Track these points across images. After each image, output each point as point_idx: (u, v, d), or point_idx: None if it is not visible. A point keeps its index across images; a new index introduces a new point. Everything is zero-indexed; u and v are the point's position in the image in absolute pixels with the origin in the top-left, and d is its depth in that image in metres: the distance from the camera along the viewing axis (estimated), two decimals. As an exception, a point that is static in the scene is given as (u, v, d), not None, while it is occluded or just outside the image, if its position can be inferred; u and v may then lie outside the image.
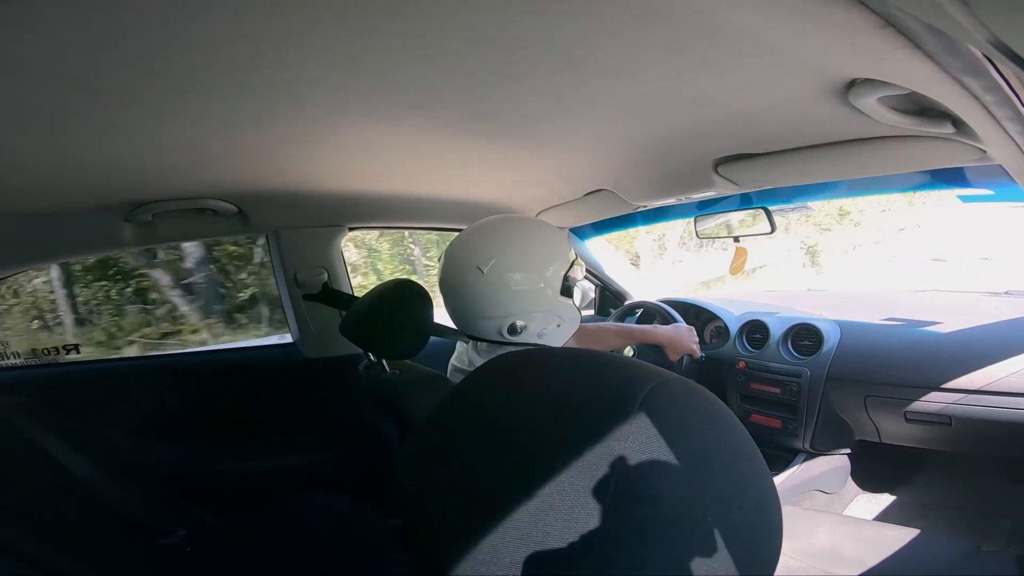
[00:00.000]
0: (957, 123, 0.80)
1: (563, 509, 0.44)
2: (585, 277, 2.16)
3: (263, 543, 0.70)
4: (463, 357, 1.21)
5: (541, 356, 0.67)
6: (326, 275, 1.62)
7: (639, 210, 1.72)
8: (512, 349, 1.09)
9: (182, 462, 1.38)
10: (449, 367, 1.26)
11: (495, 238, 1.06)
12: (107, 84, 0.67)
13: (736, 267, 1.82)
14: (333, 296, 1.56)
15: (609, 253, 2.28)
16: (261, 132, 0.94)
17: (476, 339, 1.12)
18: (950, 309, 1.65)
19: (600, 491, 0.42)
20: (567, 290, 1.08)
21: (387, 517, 0.62)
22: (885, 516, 1.69)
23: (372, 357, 1.26)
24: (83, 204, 1.24)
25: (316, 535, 0.66)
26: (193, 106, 0.78)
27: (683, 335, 1.52)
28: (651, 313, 1.85)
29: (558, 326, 1.09)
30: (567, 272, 1.07)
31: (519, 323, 1.04)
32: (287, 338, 1.79)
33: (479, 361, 1.12)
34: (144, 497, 1.02)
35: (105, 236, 1.36)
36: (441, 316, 1.18)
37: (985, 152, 0.89)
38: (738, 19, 0.58)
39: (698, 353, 1.54)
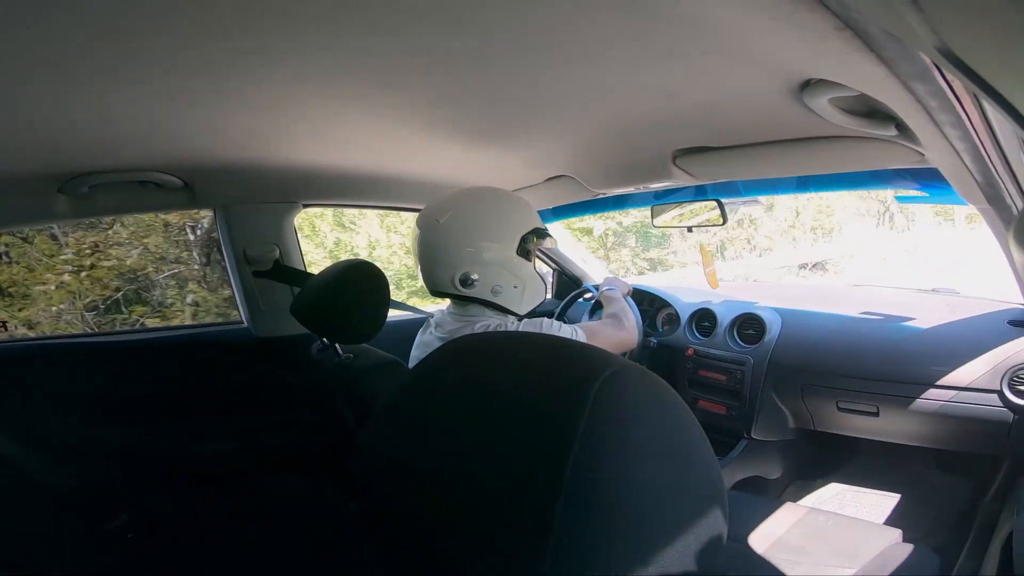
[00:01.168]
0: (900, 126, 0.85)
1: (518, 494, 0.44)
2: (542, 260, 2.19)
3: (218, 527, 0.67)
4: (429, 334, 1.21)
5: (496, 338, 0.67)
6: (278, 251, 1.56)
7: (599, 197, 1.74)
8: (474, 311, 1.13)
9: (130, 445, 1.31)
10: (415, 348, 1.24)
11: (455, 198, 1.12)
12: (42, 49, 0.62)
13: (711, 273, 1.86)
14: (285, 273, 1.51)
15: (567, 238, 2.29)
16: (212, 104, 0.89)
17: (440, 295, 1.16)
18: (884, 304, 1.74)
19: (556, 477, 0.42)
20: (524, 253, 1.13)
21: (345, 500, 0.61)
22: (820, 502, 1.78)
23: (325, 340, 1.23)
24: (12, 173, 1.15)
25: (273, 519, 0.64)
26: (137, 75, 0.73)
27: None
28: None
29: (515, 287, 1.13)
30: (525, 235, 1.12)
31: (471, 275, 1.08)
32: (235, 318, 1.72)
33: (448, 324, 1.15)
34: (84, 481, 0.97)
35: (37, 207, 1.27)
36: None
37: (923, 155, 0.94)
38: (710, 12, 0.59)
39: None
